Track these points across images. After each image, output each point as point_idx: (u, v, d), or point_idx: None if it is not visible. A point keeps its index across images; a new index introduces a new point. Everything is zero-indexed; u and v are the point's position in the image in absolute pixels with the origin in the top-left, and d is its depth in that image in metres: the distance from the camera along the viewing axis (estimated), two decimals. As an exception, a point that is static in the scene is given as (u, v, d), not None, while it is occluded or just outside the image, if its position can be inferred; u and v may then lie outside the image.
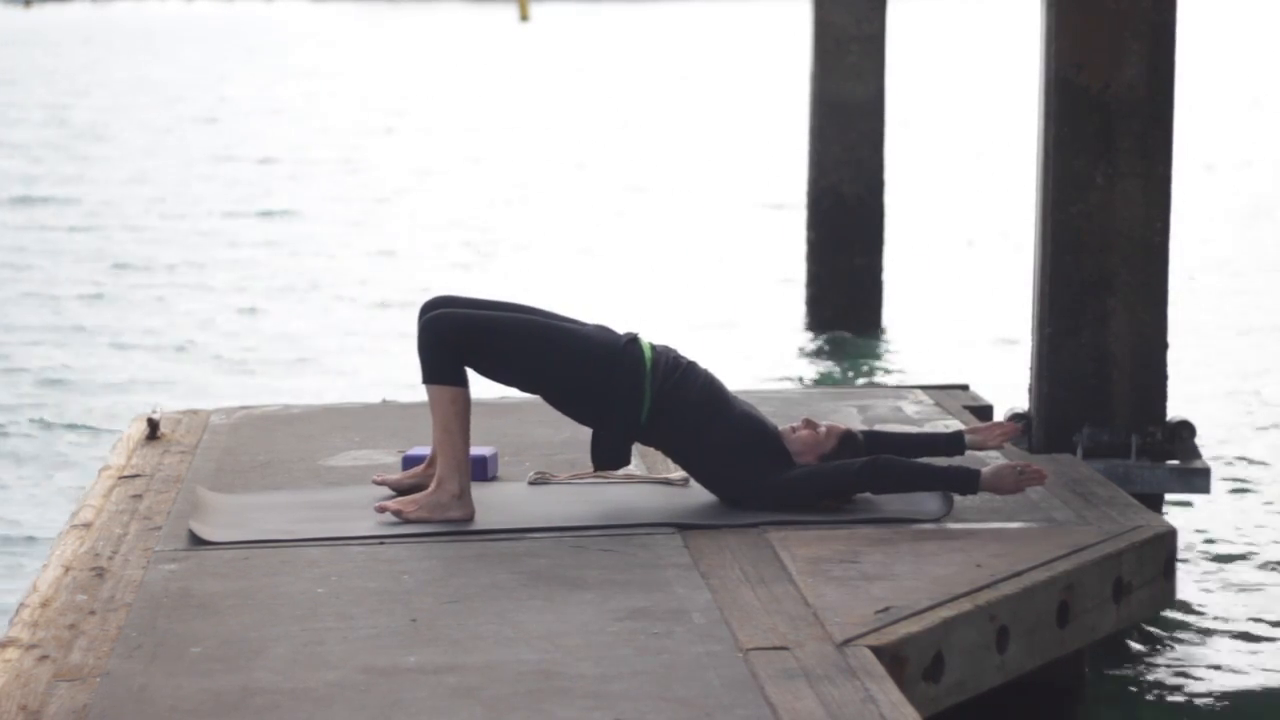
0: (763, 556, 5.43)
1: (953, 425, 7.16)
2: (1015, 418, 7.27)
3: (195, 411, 7.55)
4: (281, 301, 15.25)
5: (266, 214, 20.53)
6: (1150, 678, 6.66)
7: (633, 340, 5.92)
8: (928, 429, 6.99)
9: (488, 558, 5.47)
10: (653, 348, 5.93)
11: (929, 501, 5.93)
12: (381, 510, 5.81)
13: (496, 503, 6.01)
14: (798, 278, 13.81)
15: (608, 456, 5.93)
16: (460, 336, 5.77)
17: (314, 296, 15.53)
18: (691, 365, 5.95)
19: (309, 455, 6.77)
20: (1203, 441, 7.39)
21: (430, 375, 5.80)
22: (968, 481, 5.86)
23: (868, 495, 5.98)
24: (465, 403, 5.80)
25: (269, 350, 13.26)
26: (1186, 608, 7.36)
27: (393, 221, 20.07)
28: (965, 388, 7.96)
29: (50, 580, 5.29)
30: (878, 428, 6.53)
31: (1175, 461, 7.09)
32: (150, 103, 35.96)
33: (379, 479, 6.17)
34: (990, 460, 6.30)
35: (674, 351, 5.98)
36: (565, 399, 5.90)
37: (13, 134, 29.63)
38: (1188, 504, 8.62)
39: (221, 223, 20.03)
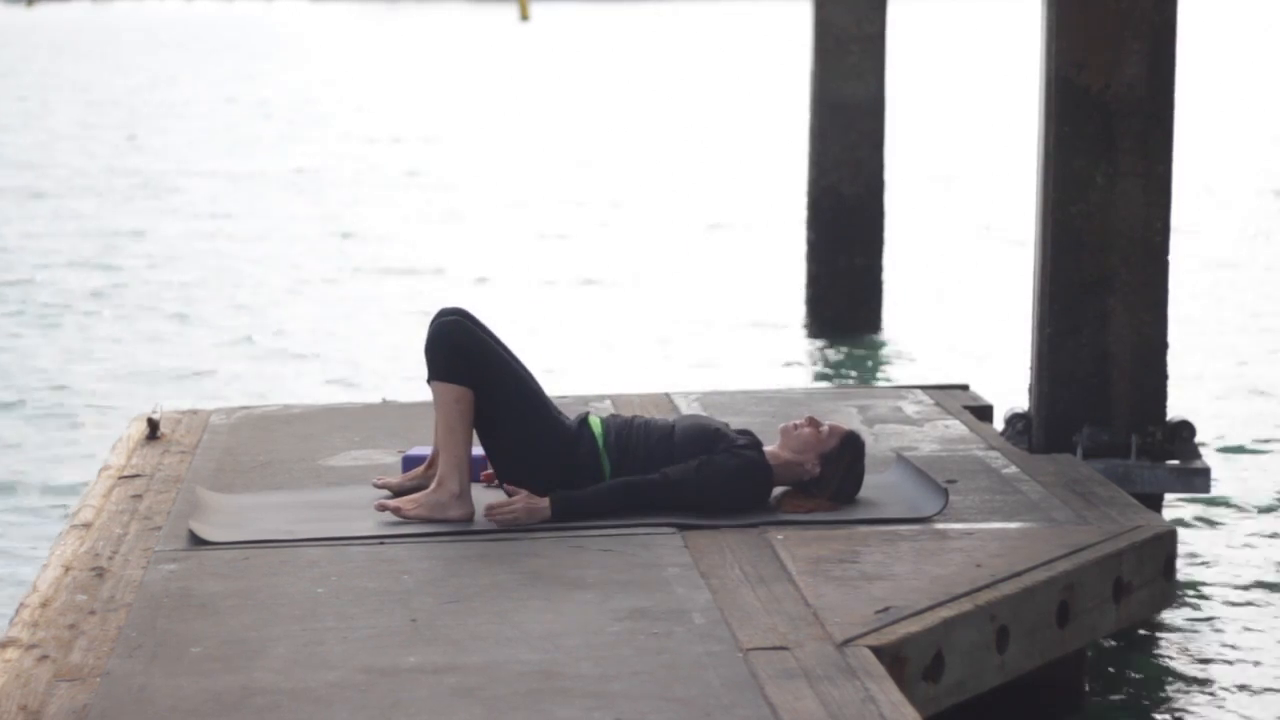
0: (763, 556, 5.43)
1: (953, 425, 7.16)
2: (1015, 418, 7.27)
3: (195, 411, 7.55)
4: (269, 308, 15.25)
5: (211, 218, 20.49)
6: (1150, 678, 6.66)
7: (583, 421, 5.94)
8: (924, 424, 7.00)
9: (488, 558, 5.47)
10: (602, 422, 5.95)
11: (927, 500, 5.93)
12: (381, 509, 5.81)
13: (496, 503, 6.00)
14: (797, 278, 13.81)
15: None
16: (473, 353, 5.79)
17: (309, 301, 15.53)
18: (631, 421, 5.98)
19: (309, 455, 6.77)
20: (1203, 441, 7.39)
21: (437, 373, 5.80)
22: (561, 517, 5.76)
23: (868, 495, 6.00)
24: (469, 404, 5.80)
25: (265, 350, 13.27)
26: (1186, 608, 7.36)
27: (392, 225, 20.07)
28: (965, 388, 7.96)
29: (50, 580, 5.29)
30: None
31: (1175, 461, 7.09)
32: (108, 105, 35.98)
33: (379, 482, 6.16)
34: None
35: (620, 417, 6.01)
36: (525, 469, 5.86)
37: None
38: (1188, 504, 8.62)
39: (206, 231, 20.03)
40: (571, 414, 6.03)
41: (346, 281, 16.16)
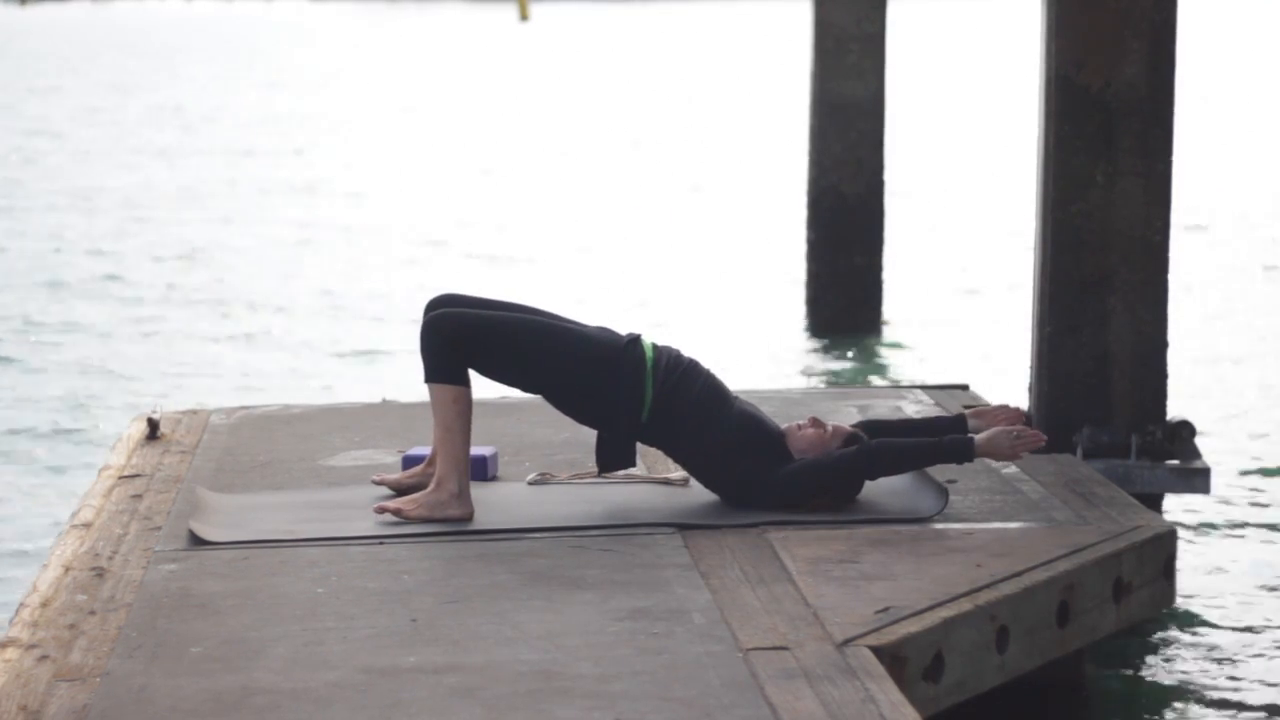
0: (763, 556, 5.43)
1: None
2: (1015, 418, 7.26)
3: (195, 411, 7.55)
4: (272, 309, 15.25)
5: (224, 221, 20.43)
6: (1150, 678, 6.66)
7: (634, 340, 5.93)
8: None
9: (488, 558, 5.47)
10: (654, 347, 5.93)
11: (927, 500, 5.93)
12: (381, 511, 5.81)
13: (496, 503, 6.01)
14: (798, 277, 13.81)
15: (613, 458, 5.93)
16: (463, 336, 5.77)
17: (312, 303, 15.53)
18: (693, 364, 5.96)
19: (309, 455, 6.76)
20: (1203, 441, 7.39)
21: (432, 374, 5.80)
22: (963, 450, 5.85)
23: (868, 496, 5.98)
24: (467, 402, 5.80)
25: (267, 352, 13.27)
26: (1186, 608, 7.36)
27: (391, 226, 20.06)
28: (965, 388, 7.95)
29: (50, 580, 5.29)
30: (876, 417, 6.50)
31: (1175, 461, 7.09)
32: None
33: (378, 479, 6.17)
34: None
35: (675, 351, 5.98)
36: (567, 399, 5.91)
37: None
38: (1188, 504, 8.62)
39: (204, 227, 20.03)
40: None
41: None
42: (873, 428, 6.10)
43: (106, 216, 20.58)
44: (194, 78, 43.70)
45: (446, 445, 5.80)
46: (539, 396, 6.00)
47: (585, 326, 5.96)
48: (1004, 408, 6.16)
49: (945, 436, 5.92)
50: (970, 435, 5.91)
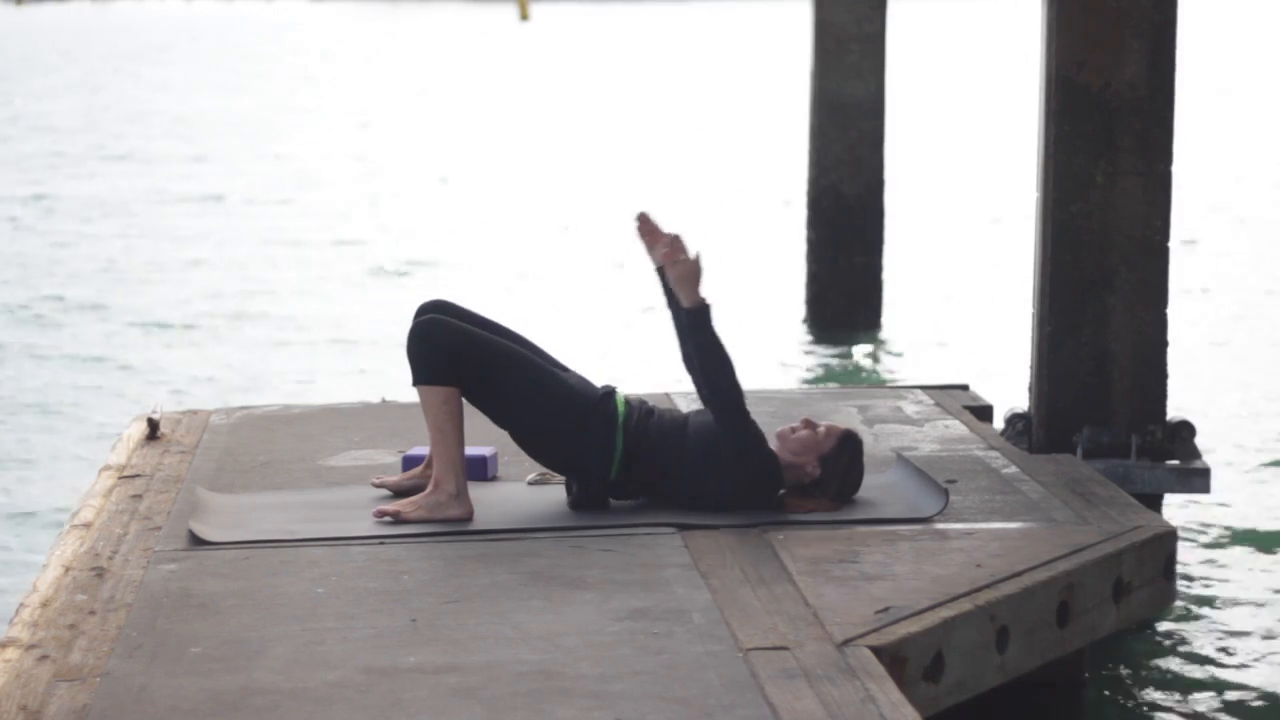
0: (763, 556, 5.43)
1: (953, 425, 7.16)
2: (1015, 418, 7.26)
3: (195, 411, 7.55)
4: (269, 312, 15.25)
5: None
6: (1150, 678, 6.66)
7: (608, 394, 5.93)
8: (924, 424, 7.00)
9: (488, 558, 5.47)
10: (626, 402, 5.94)
11: (927, 500, 5.93)
12: (380, 515, 5.80)
13: (496, 503, 6.01)
14: (798, 277, 13.81)
15: (585, 504, 5.93)
16: (450, 347, 5.76)
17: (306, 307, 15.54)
18: (653, 409, 5.97)
19: (309, 455, 6.76)
20: (1203, 441, 7.39)
21: (421, 377, 5.79)
22: (693, 318, 5.90)
23: (868, 496, 5.99)
24: (457, 403, 5.79)
25: (268, 356, 13.28)
26: (1187, 607, 7.36)
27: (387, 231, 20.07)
28: (965, 388, 7.96)
29: (50, 580, 5.29)
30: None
31: (1175, 461, 7.09)
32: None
33: (378, 481, 6.16)
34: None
35: (645, 403, 6.00)
36: (537, 441, 5.89)
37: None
38: (1188, 504, 8.62)
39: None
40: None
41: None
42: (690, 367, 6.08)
43: (75, 220, 20.61)
44: (180, 79, 43.69)
45: (441, 447, 5.80)
46: (508, 432, 5.94)
47: (565, 373, 5.95)
48: (646, 230, 6.24)
49: (680, 322, 5.94)
50: (679, 302, 5.93)
